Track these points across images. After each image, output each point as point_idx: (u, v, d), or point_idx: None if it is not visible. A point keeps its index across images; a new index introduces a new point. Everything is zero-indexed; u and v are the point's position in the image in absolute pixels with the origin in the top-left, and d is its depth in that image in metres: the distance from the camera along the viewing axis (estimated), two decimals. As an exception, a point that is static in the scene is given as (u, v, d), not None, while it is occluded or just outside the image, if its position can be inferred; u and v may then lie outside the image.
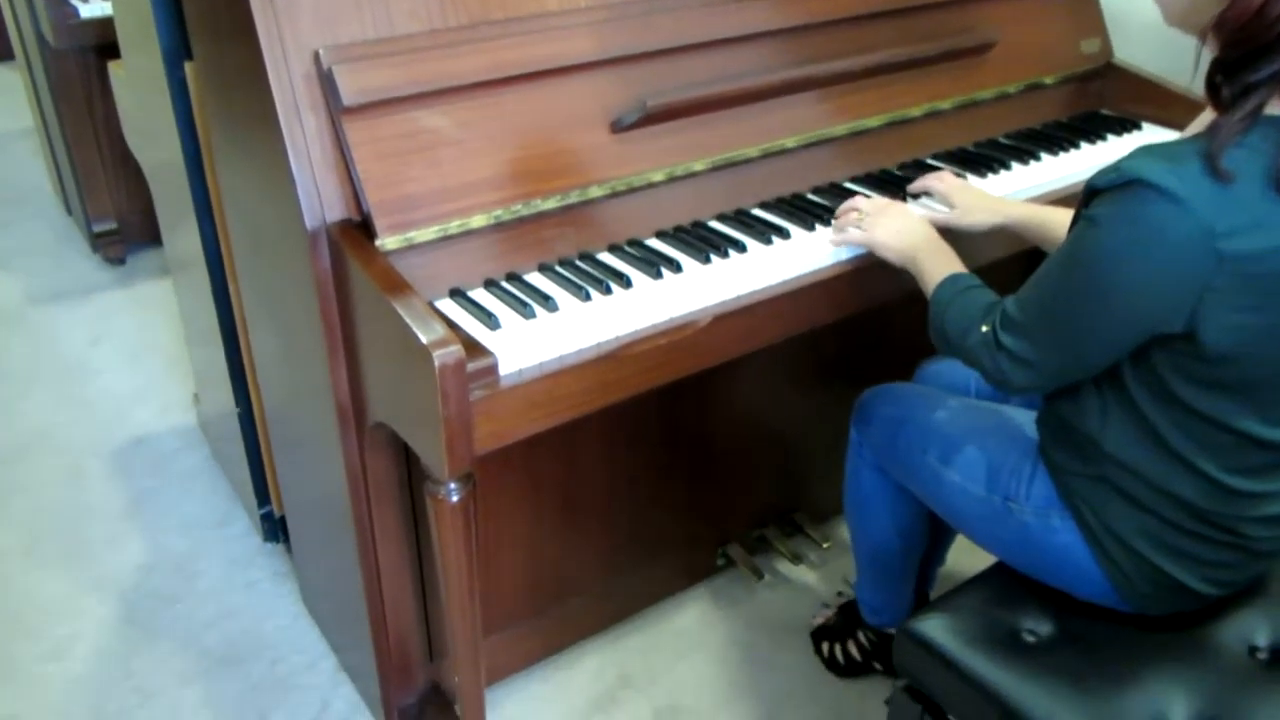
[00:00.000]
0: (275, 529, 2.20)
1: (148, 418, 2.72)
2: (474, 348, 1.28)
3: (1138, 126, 2.05)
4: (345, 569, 1.69)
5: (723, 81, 1.59)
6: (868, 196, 1.61)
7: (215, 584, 2.18)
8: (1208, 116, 1.17)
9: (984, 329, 1.28)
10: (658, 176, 1.55)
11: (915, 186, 1.70)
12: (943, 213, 1.63)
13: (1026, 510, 1.36)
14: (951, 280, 1.39)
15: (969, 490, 1.44)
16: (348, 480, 1.51)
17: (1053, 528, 1.33)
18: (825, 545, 2.16)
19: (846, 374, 2.06)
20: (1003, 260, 1.71)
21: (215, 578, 2.19)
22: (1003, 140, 1.96)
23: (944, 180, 1.67)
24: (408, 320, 1.21)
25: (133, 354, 3.01)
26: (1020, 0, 1.98)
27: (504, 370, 1.28)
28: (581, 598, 1.93)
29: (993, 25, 1.92)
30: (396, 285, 1.26)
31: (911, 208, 1.66)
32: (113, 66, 2.21)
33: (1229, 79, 1.09)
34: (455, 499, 1.32)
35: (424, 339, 1.19)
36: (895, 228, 1.51)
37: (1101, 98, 2.15)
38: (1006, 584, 1.41)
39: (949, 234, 1.62)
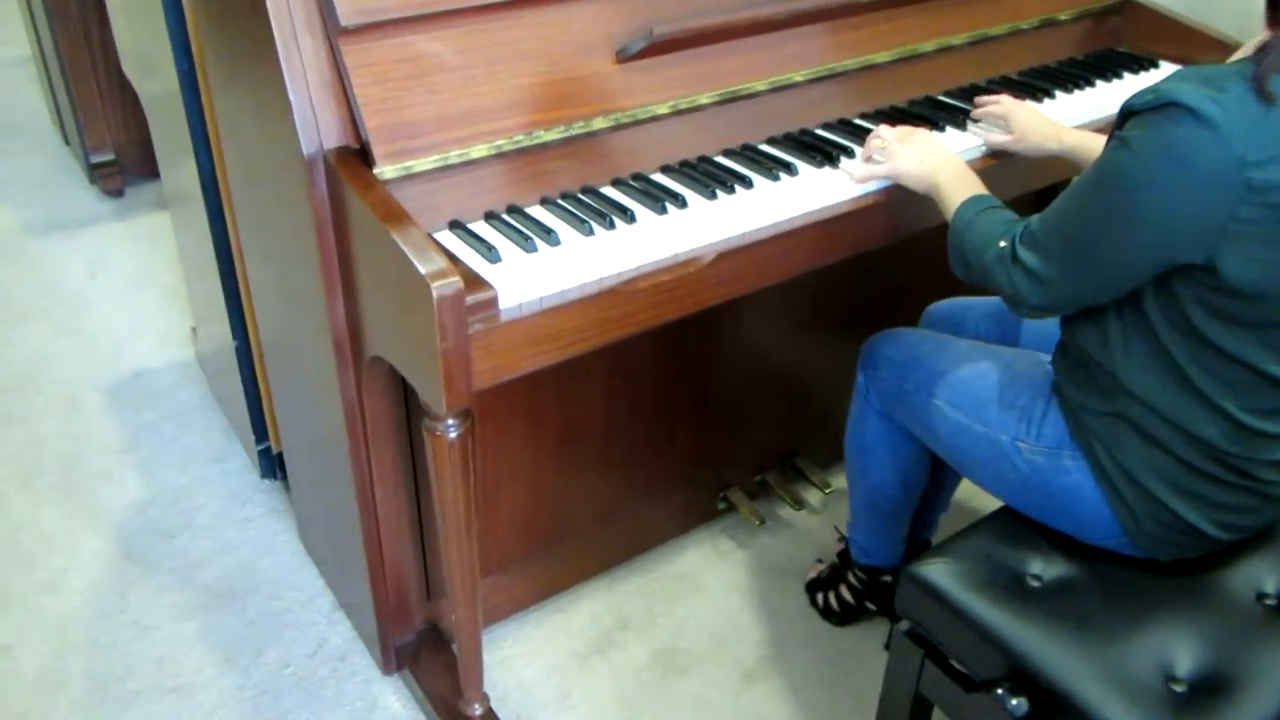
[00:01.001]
0: (273, 465, 2.18)
1: (146, 351, 2.69)
2: (473, 280, 1.25)
3: (1155, 65, 1.99)
4: (342, 507, 1.67)
5: (731, 11, 1.54)
6: (852, 153, 1.58)
7: (212, 519, 2.16)
8: (1253, 45, 1.13)
9: (1002, 244, 1.27)
10: (663, 109, 1.51)
11: (979, 111, 1.69)
12: (998, 136, 1.62)
13: (1037, 450, 1.34)
14: (973, 201, 1.36)
15: (976, 431, 1.41)
16: (345, 417, 1.49)
17: (1063, 468, 1.31)
18: (827, 490, 2.15)
19: (851, 317, 2.03)
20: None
21: (212, 513, 2.18)
22: (1015, 77, 1.91)
23: (1003, 102, 1.65)
24: (406, 251, 1.18)
25: (130, 287, 2.98)
26: (1039, -68, 1.92)
27: (504, 304, 1.25)
28: (580, 539, 1.92)
29: (1011, -42, 1.86)
30: (395, 214, 1.23)
31: (966, 132, 1.66)
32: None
33: None
34: (453, 435, 1.30)
35: (422, 270, 1.16)
36: (917, 155, 1.47)
37: (1118, 35, 2.09)
38: (1011, 527, 1.40)
39: (1003, 159, 1.61)
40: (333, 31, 1.27)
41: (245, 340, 1.98)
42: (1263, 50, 1.07)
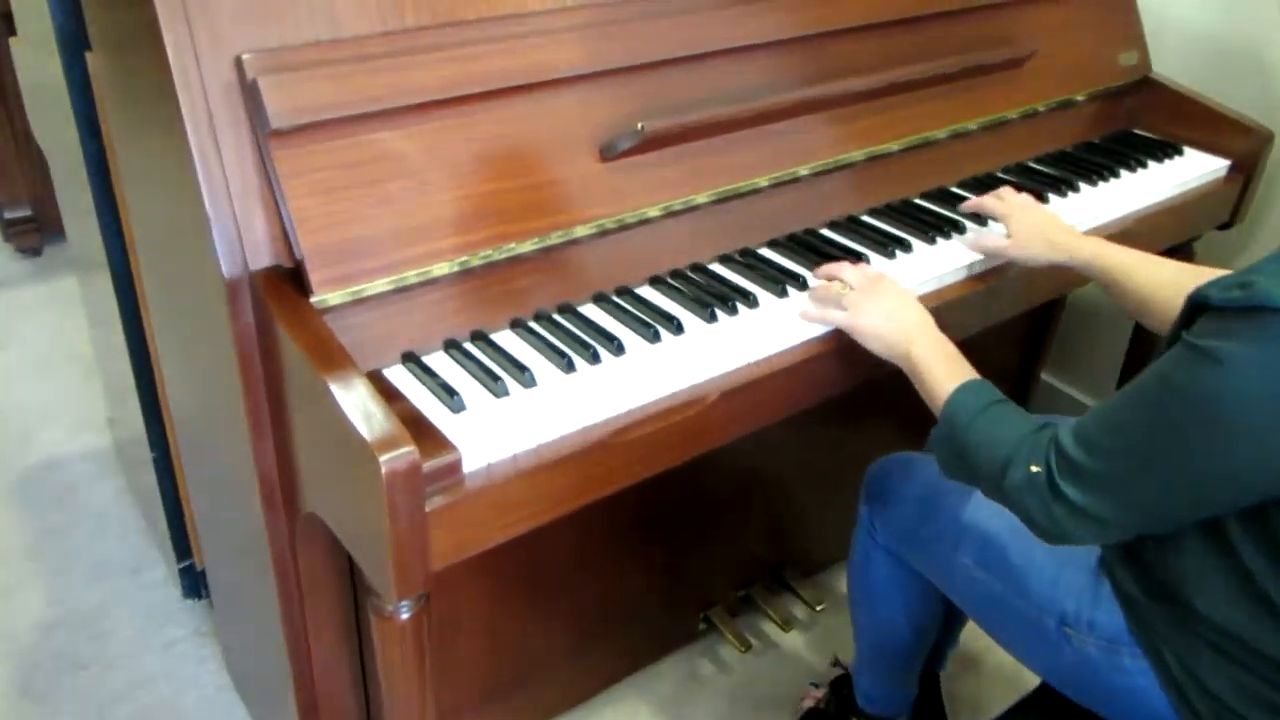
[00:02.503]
0: (196, 584, 1.93)
1: (58, 438, 2.42)
2: (432, 437, 1.03)
3: (1179, 151, 1.83)
4: (273, 658, 1.43)
5: (729, 101, 1.34)
6: (860, 257, 1.39)
7: (128, 646, 1.90)
8: None
9: (1033, 469, 1.00)
10: (653, 212, 1.30)
11: (970, 206, 1.48)
12: (991, 240, 1.42)
13: (1089, 641, 1.13)
14: (969, 391, 1.11)
15: (1014, 606, 1.21)
16: (275, 573, 1.26)
17: (1121, 667, 1.11)
18: (818, 607, 1.94)
19: (841, 415, 1.83)
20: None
21: (129, 638, 1.92)
22: (1033, 165, 1.73)
23: (1004, 199, 1.44)
24: (345, 410, 0.95)
25: (43, 361, 2.70)
26: (1054, 7, 1.74)
27: (469, 467, 1.03)
28: (546, 675, 1.69)
29: (1025, 35, 1.69)
30: (333, 359, 1.00)
31: (951, 243, 1.46)
32: (14, 41, 1.91)
33: None
34: (405, 616, 1.07)
35: (368, 436, 0.93)
36: (884, 309, 1.21)
37: (1134, 116, 1.93)
38: (1055, 712, 1.20)
39: (993, 278, 1.41)
40: (261, 134, 1.04)
41: (164, 450, 1.74)
42: None
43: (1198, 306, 0.90)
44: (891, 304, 1.22)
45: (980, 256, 1.43)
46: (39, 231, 3.11)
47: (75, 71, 1.44)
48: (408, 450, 0.93)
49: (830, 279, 1.29)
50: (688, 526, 1.75)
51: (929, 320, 1.21)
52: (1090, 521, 0.97)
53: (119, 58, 1.24)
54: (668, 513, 1.70)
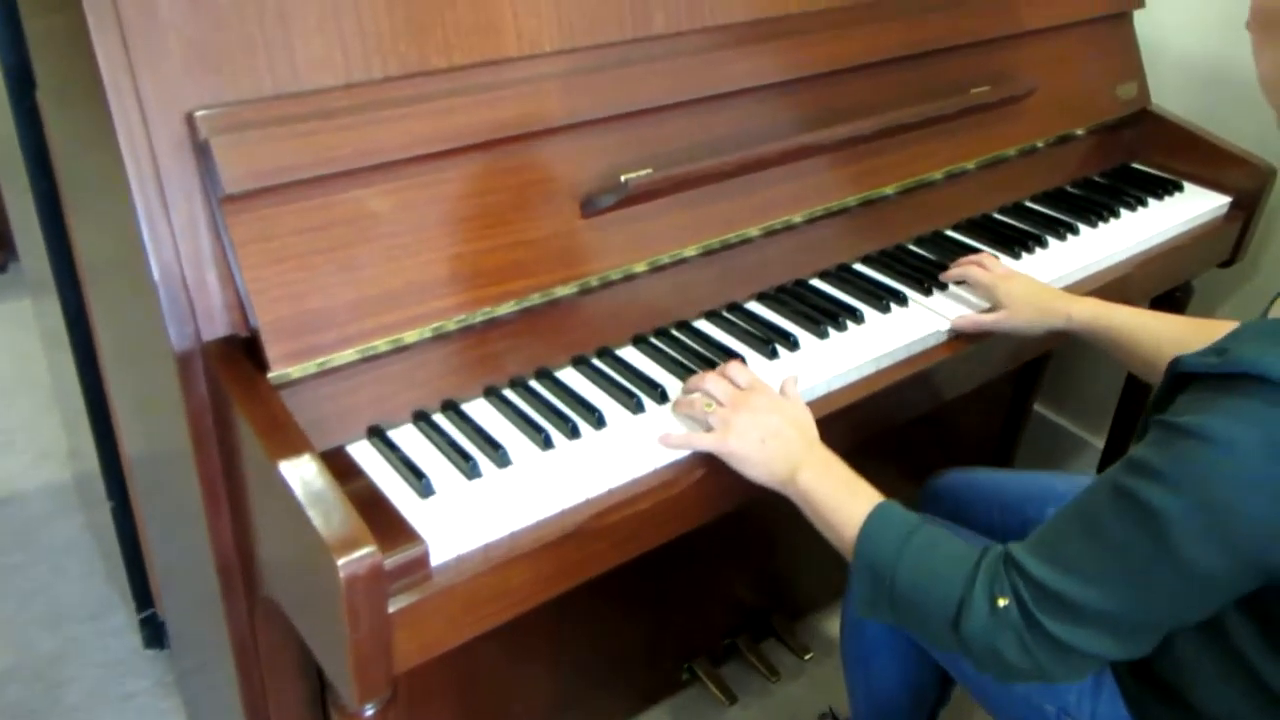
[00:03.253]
0: (159, 634, 1.85)
1: (16, 470, 2.33)
2: (397, 528, 0.95)
3: (1179, 187, 1.77)
4: (234, 731, 1.35)
5: (718, 149, 1.27)
6: (852, 311, 1.32)
7: (86, 698, 1.82)
8: None
9: (1000, 602, 0.87)
10: (639, 267, 1.23)
11: (952, 275, 1.40)
12: (986, 317, 1.33)
13: (1090, 732, 1.07)
14: (881, 521, 0.96)
15: (1015, 690, 1.15)
16: (235, 653, 1.18)
17: (1125, 759, 1.04)
18: (806, 656, 1.87)
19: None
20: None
21: (87, 689, 1.83)
22: (1030, 205, 1.67)
23: (987, 267, 1.37)
24: (302, 502, 0.88)
25: (4, 386, 2.61)
26: (1051, 40, 1.68)
27: (437, 559, 0.95)
28: (525, 737, 1.62)
29: (1023, 70, 1.62)
30: (290, 445, 0.93)
31: (948, 294, 1.38)
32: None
33: None
34: (370, 713, 1.00)
35: (325, 534, 0.86)
36: (757, 432, 1.04)
37: (1133, 149, 1.87)
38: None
39: (990, 335, 1.34)
40: (214, 197, 0.97)
41: (122, 499, 1.65)
42: None
43: (1177, 378, 0.84)
44: (767, 421, 1.04)
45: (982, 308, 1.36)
46: (3, 248, 3.00)
47: (23, 110, 1.35)
48: (369, 551, 0.86)
49: (693, 391, 1.11)
50: (669, 572, 1.68)
51: (811, 435, 1.06)
52: (1075, 655, 0.86)
53: (64, 103, 1.16)
54: (649, 558, 1.62)
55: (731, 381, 1.10)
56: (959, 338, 1.34)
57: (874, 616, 0.98)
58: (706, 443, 1.06)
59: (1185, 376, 0.84)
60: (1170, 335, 1.20)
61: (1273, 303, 0.95)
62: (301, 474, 0.90)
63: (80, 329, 1.51)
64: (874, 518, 0.96)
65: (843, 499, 0.99)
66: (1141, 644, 0.88)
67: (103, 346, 1.44)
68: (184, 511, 1.17)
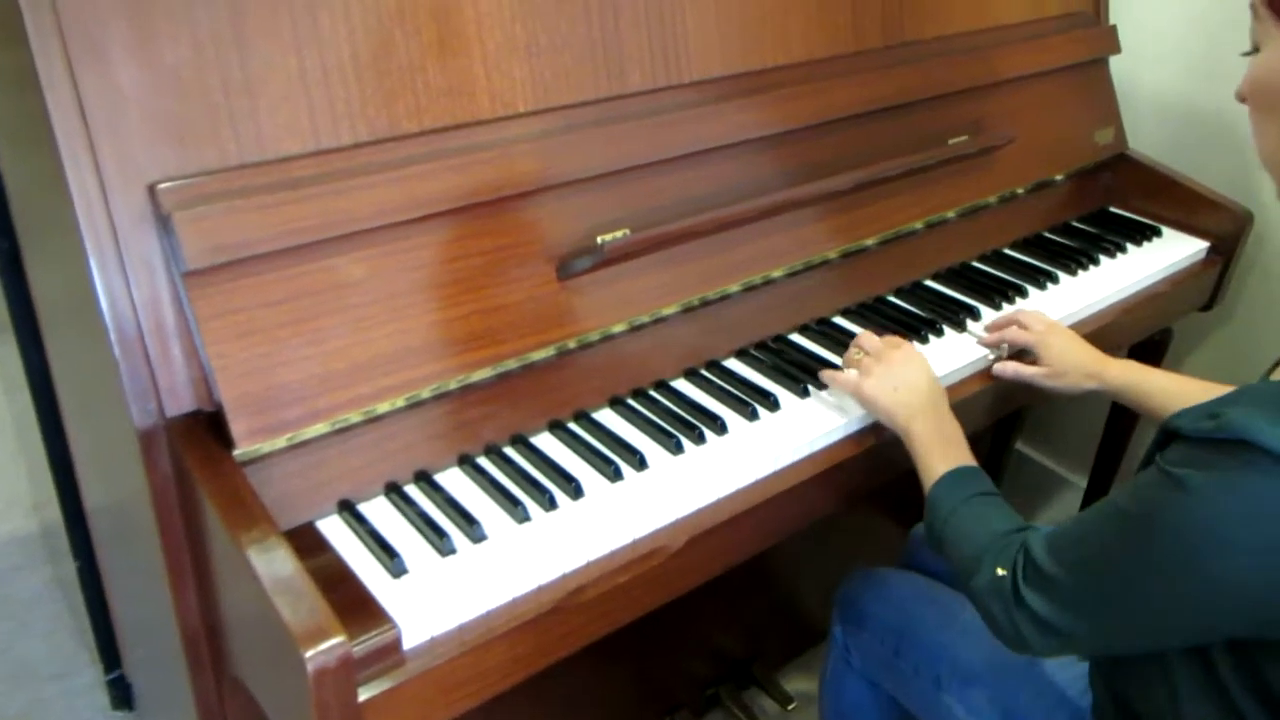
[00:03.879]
0: (127, 695, 1.80)
1: (-17, 520, 2.28)
2: (368, 610, 0.92)
3: (1158, 232, 1.77)
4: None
5: (696, 208, 1.25)
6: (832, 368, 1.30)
7: (50, 762, 1.77)
8: None
9: (999, 571, 0.97)
10: (618, 328, 1.21)
11: (991, 340, 1.38)
12: (1028, 369, 1.33)
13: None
14: (956, 479, 1.09)
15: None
16: (200, 727, 1.14)
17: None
18: (789, 707, 1.85)
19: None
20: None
21: (51, 751, 1.79)
22: (1010, 253, 1.66)
23: (1029, 327, 1.35)
24: (268, 589, 0.85)
25: (-29, 432, 2.55)
26: (1030, 88, 1.67)
27: (409, 643, 0.92)
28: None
29: (1002, 118, 1.62)
30: (256, 527, 0.90)
31: (963, 333, 1.42)
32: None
33: None
34: (341, 800, 0.96)
35: (292, 624, 0.83)
36: (892, 381, 1.19)
37: (1111, 193, 1.87)
38: None
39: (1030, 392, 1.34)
40: (177, 272, 0.94)
41: (89, 559, 1.61)
42: None
43: (1168, 433, 0.85)
44: (903, 374, 1.19)
45: (960, 365, 1.35)
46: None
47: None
48: (338, 641, 0.83)
49: (855, 350, 1.27)
50: (649, 622, 1.64)
51: (939, 398, 1.18)
52: (1053, 635, 0.92)
53: (23, 163, 1.13)
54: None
55: (881, 340, 1.25)
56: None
57: (929, 543, 1.11)
58: (846, 380, 1.22)
59: (1175, 436, 0.84)
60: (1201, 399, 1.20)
61: (1275, 367, 0.94)
62: (268, 560, 0.87)
63: (42, 385, 1.47)
64: (950, 475, 1.09)
65: (938, 455, 1.11)
66: (1104, 642, 0.94)
67: (65, 405, 1.40)
68: (149, 582, 1.13)
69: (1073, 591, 0.91)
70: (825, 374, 1.25)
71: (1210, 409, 0.82)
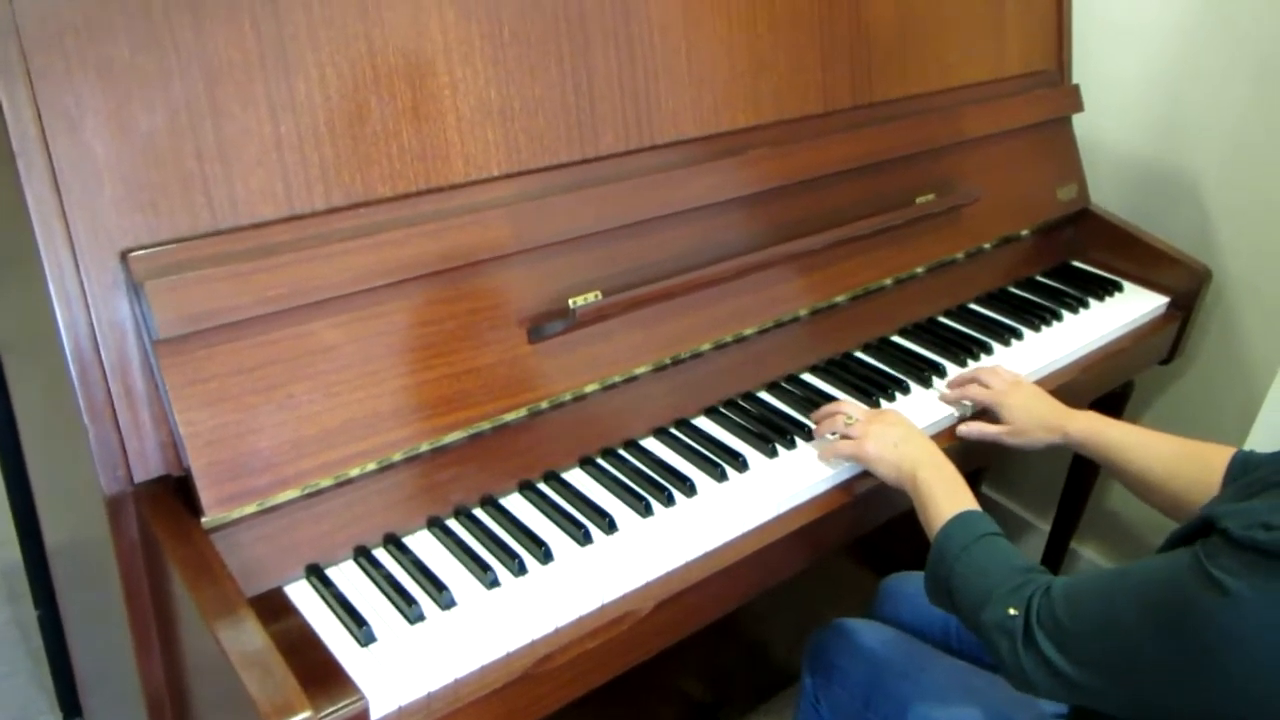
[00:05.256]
0: (87, 743, 1.78)
1: (-59, 559, 2.24)
2: (336, 680, 0.92)
3: (1119, 287, 1.80)
4: None
5: (670, 267, 1.27)
6: (799, 425, 1.34)
7: (6, 811, 1.74)
8: None
9: (1011, 611, 0.99)
10: (590, 388, 1.22)
11: (953, 397, 1.42)
12: (991, 428, 1.37)
13: None
14: (963, 522, 1.10)
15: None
16: (164, 795, 1.13)
17: None
18: (756, 755, 1.85)
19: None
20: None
21: (7, 801, 1.76)
22: (975, 308, 1.68)
23: (991, 385, 1.39)
24: (234, 661, 0.85)
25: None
26: (995, 145, 1.70)
27: (377, 712, 0.92)
28: None
29: (969, 175, 1.64)
30: (222, 598, 0.90)
31: (930, 390, 1.44)
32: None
33: None
34: None
35: (258, 699, 0.82)
36: (891, 438, 1.23)
37: (1074, 247, 1.90)
38: None
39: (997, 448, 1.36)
40: (149, 339, 0.94)
41: (50, 609, 1.59)
42: None
43: (1208, 525, 0.85)
44: (897, 431, 1.23)
45: (928, 422, 1.37)
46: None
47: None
48: (305, 717, 0.82)
49: (833, 415, 1.30)
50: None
51: (934, 447, 1.22)
52: (1060, 681, 0.94)
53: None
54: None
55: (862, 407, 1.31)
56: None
57: (931, 592, 1.11)
58: (848, 448, 1.25)
59: (1215, 527, 0.84)
60: (1163, 458, 1.22)
61: None
62: (236, 633, 0.87)
63: (5, 427, 1.45)
64: (958, 518, 1.10)
65: (942, 500, 1.13)
66: (1113, 701, 0.93)
67: (28, 447, 1.39)
68: (113, 639, 1.12)
69: (1087, 651, 0.92)
70: (823, 449, 1.28)
71: (1264, 517, 0.81)
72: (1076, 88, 1.82)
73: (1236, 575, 0.80)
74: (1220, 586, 0.81)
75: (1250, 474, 1.03)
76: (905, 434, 1.24)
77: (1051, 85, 1.80)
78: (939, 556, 1.09)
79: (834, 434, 1.29)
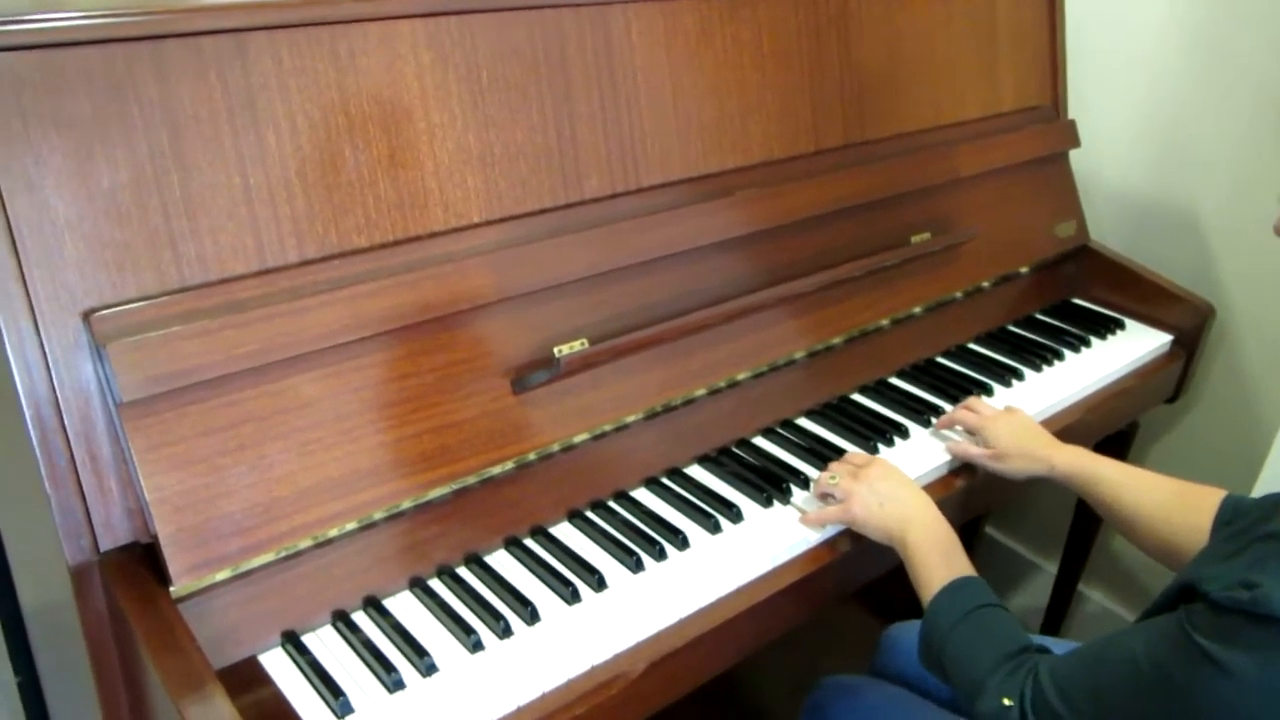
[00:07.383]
0: (68, 811, 1.72)
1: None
2: (310, 757, 0.88)
3: (1121, 325, 1.76)
4: None
5: (659, 312, 1.23)
6: (795, 472, 1.30)
7: None
8: None
9: (1006, 701, 0.93)
10: (579, 438, 1.18)
11: (943, 423, 1.40)
12: (975, 450, 1.34)
13: None
14: (955, 592, 1.05)
15: None
16: None
17: None
18: (760, 812, 1.79)
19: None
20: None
21: None
22: (974, 347, 1.65)
23: (978, 411, 1.37)
24: (204, 743, 0.80)
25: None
26: (992, 183, 1.68)
27: (353, 791, 0.88)
28: None
29: (966, 213, 1.61)
30: (190, 677, 0.85)
31: (928, 430, 1.40)
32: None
33: None
34: None
35: (229, 785, 0.78)
36: (877, 497, 1.18)
37: (1074, 284, 1.86)
38: None
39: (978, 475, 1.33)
40: (112, 404, 0.90)
41: (30, 675, 1.55)
42: None
43: (1193, 592, 0.81)
44: (884, 488, 1.18)
45: (929, 468, 1.33)
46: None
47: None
48: (276, 802, 0.78)
49: (825, 478, 1.25)
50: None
51: (925, 503, 1.16)
52: None
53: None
54: None
55: (849, 461, 1.25)
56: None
57: (927, 669, 1.06)
58: (834, 514, 1.20)
59: (1200, 594, 0.80)
60: (1151, 501, 1.18)
61: None
62: (202, 708, 0.83)
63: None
64: (949, 589, 1.05)
65: (934, 565, 1.08)
66: None
67: (1, 516, 1.35)
68: (88, 710, 1.08)
69: None
70: (807, 518, 1.22)
71: (1242, 576, 0.78)
72: (1072, 123, 1.80)
73: (1231, 645, 0.76)
74: (1219, 665, 0.77)
75: (1238, 521, 1.00)
76: (891, 490, 1.18)
77: (1047, 121, 1.78)
78: (931, 629, 1.05)
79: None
